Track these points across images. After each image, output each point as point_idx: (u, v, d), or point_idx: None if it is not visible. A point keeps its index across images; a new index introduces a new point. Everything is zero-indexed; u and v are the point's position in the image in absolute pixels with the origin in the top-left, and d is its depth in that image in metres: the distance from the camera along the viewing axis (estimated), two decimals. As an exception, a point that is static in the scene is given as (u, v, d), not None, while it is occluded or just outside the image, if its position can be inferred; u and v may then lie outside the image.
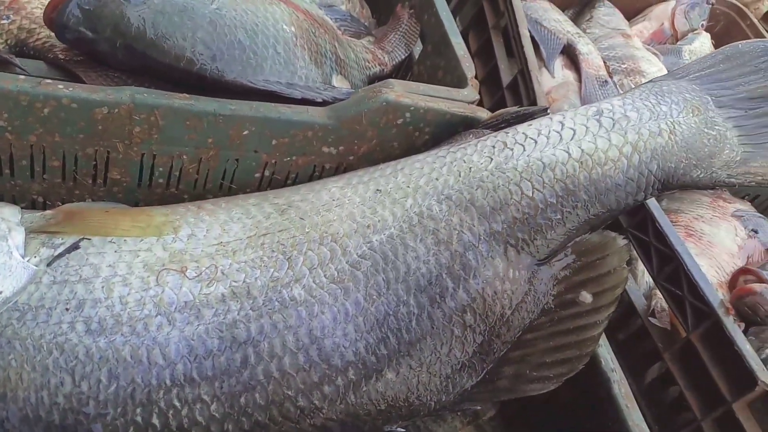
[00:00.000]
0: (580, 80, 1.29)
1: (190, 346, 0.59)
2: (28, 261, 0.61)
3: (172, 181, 0.76)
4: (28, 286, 0.59)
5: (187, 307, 0.61)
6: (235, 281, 0.63)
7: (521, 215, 0.64)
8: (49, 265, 0.61)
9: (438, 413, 0.63)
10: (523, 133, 0.70)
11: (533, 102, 1.13)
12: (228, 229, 0.69)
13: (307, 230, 0.68)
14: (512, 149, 0.69)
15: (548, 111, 0.76)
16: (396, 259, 0.65)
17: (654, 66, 1.41)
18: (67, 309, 0.58)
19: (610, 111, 0.69)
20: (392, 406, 0.61)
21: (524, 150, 0.68)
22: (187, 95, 0.70)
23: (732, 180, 0.65)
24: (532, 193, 0.65)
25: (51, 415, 0.55)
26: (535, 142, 0.69)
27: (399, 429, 0.62)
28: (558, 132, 0.68)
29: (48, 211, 0.68)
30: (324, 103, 0.80)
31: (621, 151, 0.66)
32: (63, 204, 0.74)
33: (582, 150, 0.66)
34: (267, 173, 0.80)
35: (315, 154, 0.80)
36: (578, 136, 0.67)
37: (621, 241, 0.64)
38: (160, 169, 0.74)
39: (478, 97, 0.89)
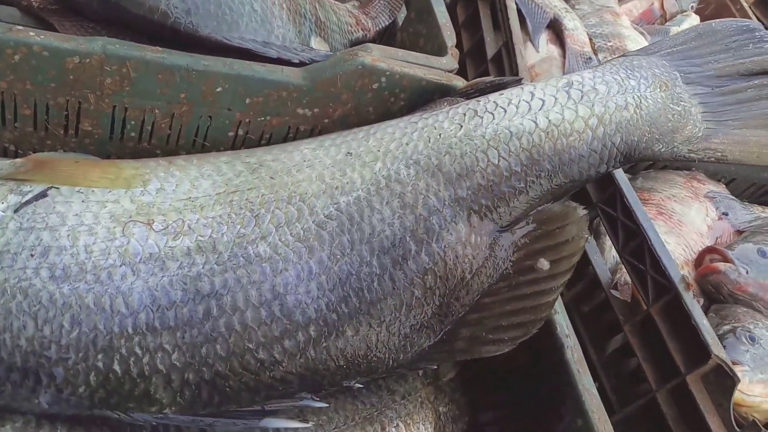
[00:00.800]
0: (564, 56, 1.29)
1: (153, 296, 0.60)
2: (-6, 207, 0.61)
3: (144, 135, 0.76)
4: (-4, 231, 0.59)
5: (152, 258, 0.62)
6: (201, 236, 0.64)
7: (486, 182, 0.65)
8: (16, 211, 0.61)
9: (396, 371, 0.65)
10: (494, 101, 0.71)
11: (516, 75, 1.14)
12: (198, 185, 0.69)
13: (276, 189, 0.69)
14: (482, 117, 0.69)
15: (522, 81, 0.77)
16: (362, 220, 0.66)
17: (639, 45, 1.41)
18: (32, 255, 0.59)
19: (579, 83, 0.69)
20: (351, 362, 0.63)
21: (493, 118, 0.69)
22: (160, 48, 0.70)
23: (692, 155, 0.66)
24: (498, 161, 0.66)
25: (13, 357, 0.56)
26: (505, 110, 0.70)
27: (357, 384, 0.64)
28: (527, 102, 0.69)
29: (18, 159, 0.68)
30: (300, 65, 0.80)
31: (587, 123, 0.66)
32: (33, 152, 0.75)
33: (549, 120, 0.67)
34: (241, 132, 0.80)
35: (289, 115, 0.80)
36: (546, 106, 0.68)
37: (581, 211, 0.65)
38: (132, 122, 0.74)
39: (456, 66, 0.90)
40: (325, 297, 0.63)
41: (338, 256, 0.64)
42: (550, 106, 0.68)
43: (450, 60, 0.89)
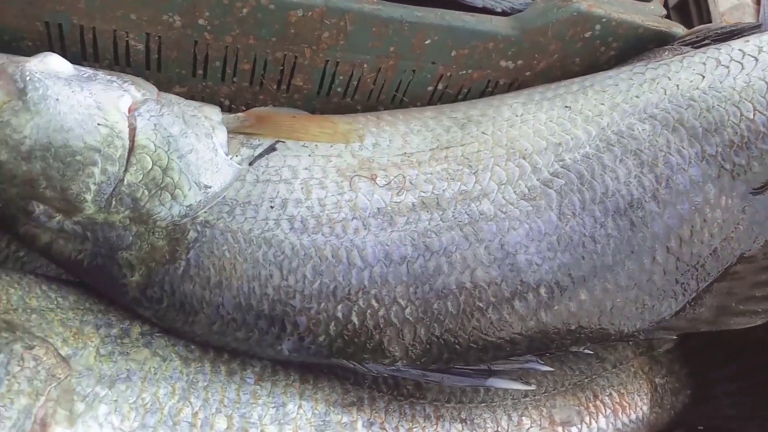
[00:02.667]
0: (758, 3, 1.16)
1: (385, 250, 0.60)
2: (231, 159, 0.63)
3: (349, 90, 0.76)
4: (234, 183, 0.61)
5: (380, 213, 0.62)
6: (423, 192, 0.63)
7: (739, 139, 0.59)
8: (250, 164, 0.63)
9: (630, 339, 0.62)
10: (739, 49, 0.64)
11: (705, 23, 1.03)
12: (409, 141, 0.68)
13: (491, 146, 0.66)
14: (728, 67, 0.63)
15: (761, 28, 0.69)
16: (592, 179, 0.62)
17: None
18: (271, 207, 0.60)
19: None
20: (583, 328, 0.60)
21: (743, 68, 0.62)
22: (376, 0, 0.68)
23: None
24: (753, 116, 0.60)
25: (261, 304, 0.58)
26: (756, 60, 0.62)
27: (586, 350, 0.61)
28: (786, 49, 0.61)
29: (239, 114, 0.69)
30: (503, 14, 0.76)
31: None
32: (246, 108, 0.76)
33: (818, 69, 0.59)
34: (440, 87, 0.78)
35: (491, 68, 0.76)
36: (812, 53, 0.60)
37: None
38: (341, 77, 0.74)
39: (664, 11, 0.82)
40: (557, 258, 0.60)
41: (568, 216, 0.61)
42: (817, 53, 0.60)
43: (658, 5, 0.82)
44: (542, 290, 0.60)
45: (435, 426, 0.65)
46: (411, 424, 0.64)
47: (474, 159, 0.66)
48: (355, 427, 0.61)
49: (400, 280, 0.59)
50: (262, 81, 0.73)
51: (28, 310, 0.53)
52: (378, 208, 0.62)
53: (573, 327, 0.60)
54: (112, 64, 0.68)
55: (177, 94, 0.68)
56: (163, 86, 0.69)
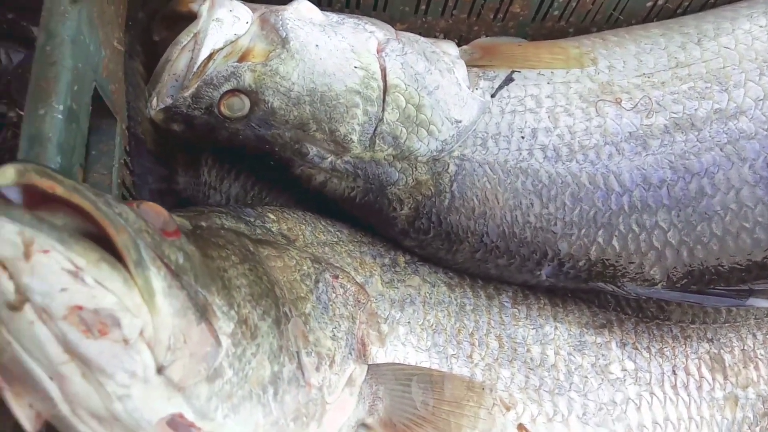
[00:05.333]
0: None
1: (642, 174, 0.60)
2: (473, 93, 0.64)
3: (566, 13, 0.74)
4: (482, 116, 0.62)
5: (632, 137, 0.61)
6: (674, 113, 0.62)
7: None
8: (492, 96, 0.64)
9: None
10: None
11: None
12: (644, 61, 0.66)
13: (738, 61, 0.63)
14: None
15: None
16: None
17: None
18: (522, 137, 0.61)
19: None
20: None
21: None
22: None
23: None
24: None
25: (524, 232, 0.60)
26: None
27: None
28: None
29: (465, 47, 0.70)
30: None
31: None
32: (459, 41, 0.77)
33: None
34: (660, 2, 0.74)
35: (718, -24, 0.71)
36: None
37: None
38: (559, 0, 0.72)
39: None
40: (833, 175, 0.57)
41: (843, 130, 0.57)
42: None
43: None
44: (815, 207, 0.57)
45: (683, 346, 0.65)
46: (660, 344, 0.65)
47: (722, 75, 0.63)
48: (610, 347, 0.63)
49: (660, 204, 0.59)
50: (480, 11, 0.72)
51: (321, 244, 0.58)
52: (629, 132, 0.61)
53: None
54: (343, 7, 0.70)
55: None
56: (386, 25, 0.70)
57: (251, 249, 0.47)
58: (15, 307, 0.27)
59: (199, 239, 0.41)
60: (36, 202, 0.29)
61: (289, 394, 0.42)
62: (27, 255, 0.26)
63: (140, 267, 0.30)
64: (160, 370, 0.31)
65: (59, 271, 0.27)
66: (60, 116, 0.41)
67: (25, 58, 0.87)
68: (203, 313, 0.35)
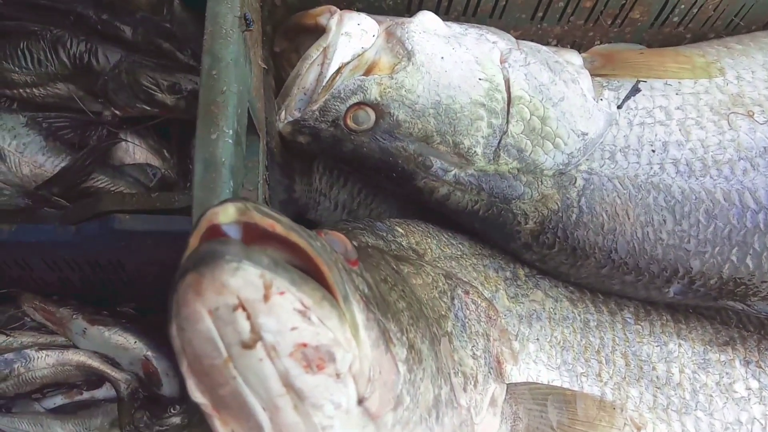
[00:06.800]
0: None
1: (779, 192, 0.58)
2: (598, 103, 0.62)
3: (685, 19, 0.72)
4: (609, 128, 0.61)
5: (766, 152, 0.59)
6: (812, 127, 0.59)
7: None
8: (619, 107, 0.63)
9: None
10: None
11: None
12: (776, 71, 0.64)
13: None
14: None
15: None
16: None
17: None
18: (653, 150, 0.60)
19: None
20: None
21: None
22: None
23: None
24: None
25: (655, 249, 0.59)
26: None
27: None
28: None
29: (584, 54, 0.68)
30: None
31: None
32: (572, 47, 0.75)
33: None
34: (785, 5, 0.71)
35: None
36: None
37: None
38: (682, 6, 0.70)
39: None
40: None
41: None
42: None
43: None
44: None
45: (808, 365, 0.63)
46: (785, 363, 0.63)
47: None
48: (734, 365, 0.61)
49: (799, 222, 0.57)
50: (599, 17, 0.71)
51: (447, 258, 0.58)
52: (764, 147, 0.59)
53: None
54: (460, 15, 0.70)
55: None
56: (501, 32, 0.70)
57: (395, 267, 0.48)
58: (248, 346, 0.28)
59: (365, 262, 0.42)
60: (251, 238, 0.30)
61: (447, 416, 0.42)
62: (266, 297, 0.27)
63: (348, 302, 0.31)
64: (360, 401, 0.32)
65: (291, 311, 0.28)
66: (230, 141, 0.42)
67: (121, 59, 0.89)
68: (387, 341, 0.35)
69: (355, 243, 0.47)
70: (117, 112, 0.91)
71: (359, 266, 0.37)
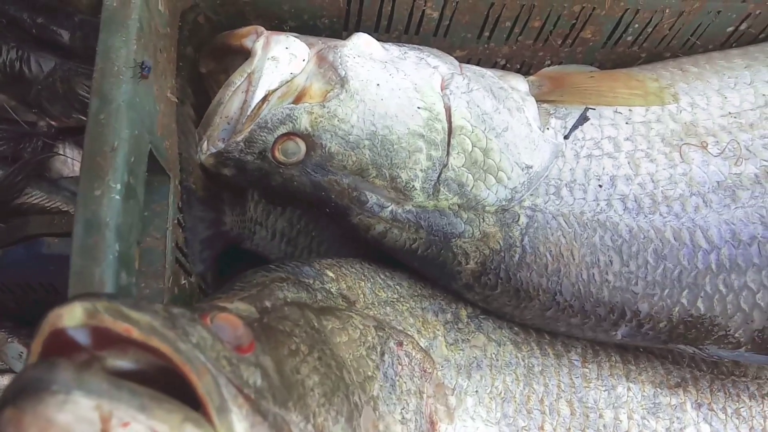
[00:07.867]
0: None
1: (731, 230, 0.55)
2: (543, 133, 0.59)
3: (639, 38, 0.68)
4: (554, 160, 0.58)
5: (720, 187, 0.56)
6: (764, 160, 0.56)
7: None
8: (565, 137, 0.59)
9: None
10: None
11: None
12: (729, 98, 0.61)
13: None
14: None
15: None
16: None
17: None
18: (600, 185, 0.57)
19: None
20: None
21: None
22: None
23: None
24: None
25: (601, 291, 0.55)
26: None
27: None
28: None
29: (531, 77, 0.65)
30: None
31: None
32: (521, 67, 0.71)
33: None
34: (742, 27, 0.68)
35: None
36: None
37: None
38: (636, 25, 0.66)
39: None
40: None
41: None
42: None
43: None
44: None
45: (761, 405, 0.61)
46: (737, 404, 0.61)
47: (819, 117, 0.57)
48: (685, 408, 0.59)
49: (750, 263, 0.54)
50: (548, 37, 0.67)
51: (382, 303, 0.54)
52: (717, 182, 0.56)
53: None
54: (401, 35, 0.65)
55: (456, 58, 0.64)
56: (444, 51, 0.65)
57: (316, 326, 0.43)
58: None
59: (269, 331, 0.37)
60: (106, 341, 0.26)
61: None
62: (105, 432, 0.22)
63: (223, 413, 0.27)
64: None
65: (141, 445, 0.23)
66: (117, 197, 0.37)
67: (55, 67, 0.83)
68: (283, 438, 0.31)
69: (268, 304, 0.42)
70: (52, 122, 0.86)
71: (255, 350, 0.33)
